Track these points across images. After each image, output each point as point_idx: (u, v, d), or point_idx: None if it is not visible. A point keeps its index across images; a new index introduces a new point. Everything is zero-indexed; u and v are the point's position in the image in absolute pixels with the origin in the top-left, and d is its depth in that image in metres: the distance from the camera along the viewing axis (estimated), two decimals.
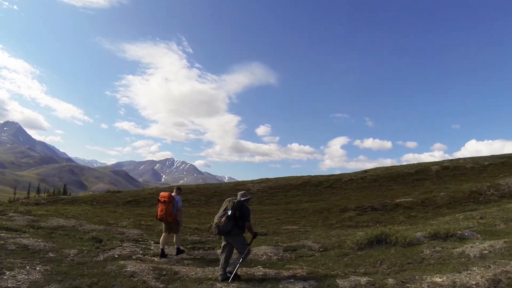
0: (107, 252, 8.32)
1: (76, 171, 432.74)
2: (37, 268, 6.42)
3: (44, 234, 10.98)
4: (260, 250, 9.53)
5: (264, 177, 44.05)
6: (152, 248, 9.64)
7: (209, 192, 35.15)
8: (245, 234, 6.79)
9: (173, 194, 8.97)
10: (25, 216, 15.37)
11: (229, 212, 6.38)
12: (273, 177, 43.61)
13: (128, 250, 8.86)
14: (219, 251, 9.98)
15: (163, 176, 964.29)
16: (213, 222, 6.58)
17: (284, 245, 10.40)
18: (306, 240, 11.16)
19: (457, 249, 7.53)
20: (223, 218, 6.39)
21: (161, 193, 8.86)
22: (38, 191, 70.33)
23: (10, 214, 15.92)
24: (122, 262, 7.08)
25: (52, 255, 7.78)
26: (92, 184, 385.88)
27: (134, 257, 7.95)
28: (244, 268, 6.98)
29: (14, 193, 60.89)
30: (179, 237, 9.21)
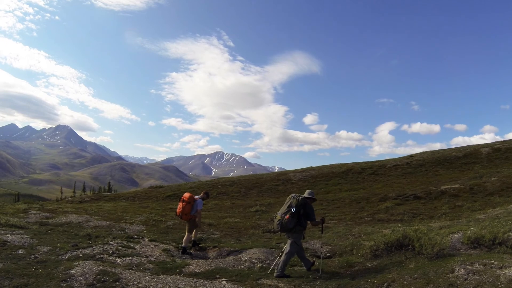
0: (77, 251, 8.06)
1: (127, 169, 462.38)
2: None
3: (41, 231, 11.18)
4: (247, 254, 8.49)
5: (309, 166, 43.20)
6: (137, 247, 9.24)
7: (249, 184, 35.14)
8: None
9: (197, 196, 9.94)
10: (42, 213, 16.07)
11: (293, 209, 6.61)
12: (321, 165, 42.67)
13: (103, 248, 8.50)
14: (211, 251, 9.42)
15: (213, 170, 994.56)
16: (275, 218, 6.86)
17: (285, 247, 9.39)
18: (316, 241, 9.95)
19: (506, 271, 5.06)
20: (287, 215, 6.62)
21: (185, 194, 9.81)
22: (84, 190, 75.80)
23: (32, 211, 16.79)
24: (78, 262, 6.68)
25: (21, 252, 7.70)
26: (143, 181, 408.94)
27: (97, 257, 7.58)
28: (201, 279, 6.18)
29: (61, 192, 66.49)
30: (189, 238, 9.72)
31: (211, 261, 8.06)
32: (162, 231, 12.69)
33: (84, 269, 6.19)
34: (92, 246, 8.60)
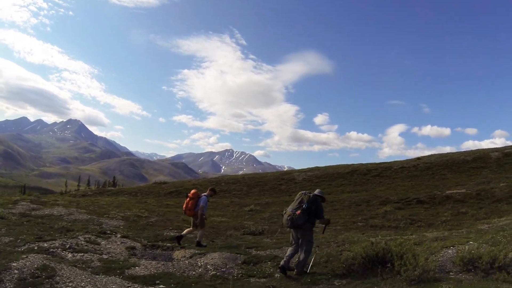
0: (36, 243, 8.02)
1: (136, 164, 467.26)
2: None
3: (16, 222, 11.17)
4: (205, 258, 8.03)
5: (315, 166, 42.71)
6: (103, 242, 9.08)
7: (252, 182, 34.96)
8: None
9: (204, 193, 10.22)
10: (31, 205, 16.07)
11: (305, 206, 6.60)
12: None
13: (63, 242, 8.43)
14: (177, 252, 9.04)
15: (223, 167, 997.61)
16: (285, 213, 6.84)
17: (253, 253, 8.74)
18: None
19: None
20: (298, 211, 6.59)
21: (192, 190, 10.28)
22: (89, 184, 76.95)
23: (22, 203, 16.81)
24: (27, 255, 6.66)
25: None
26: (152, 177, 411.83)
27: (50, 251, 7.51)
28: (137, 284, 5.96)
29: (66, 185, 67.77)
30: (191, 231, 10.29)
31: (163, 264, 7.63)
32: (140, 227, 12.54)
33: (27, 263, 6.10)
34: (55, 240, 8.53)
